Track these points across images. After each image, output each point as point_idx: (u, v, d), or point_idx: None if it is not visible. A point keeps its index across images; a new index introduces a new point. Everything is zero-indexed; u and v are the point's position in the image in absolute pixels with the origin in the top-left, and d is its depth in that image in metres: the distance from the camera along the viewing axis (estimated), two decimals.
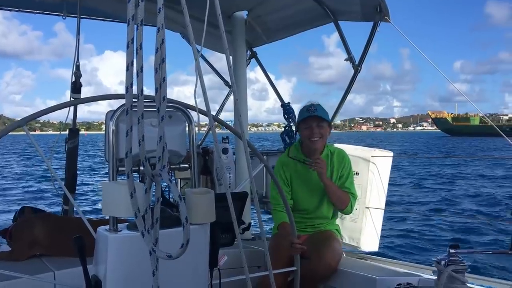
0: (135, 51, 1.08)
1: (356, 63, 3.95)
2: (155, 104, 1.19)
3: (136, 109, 1.14)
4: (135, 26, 1.08)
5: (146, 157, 1.19)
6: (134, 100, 1.13)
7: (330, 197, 3.28)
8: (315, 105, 3.33)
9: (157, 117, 1.16)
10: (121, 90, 1.22)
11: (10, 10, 4.22)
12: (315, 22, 4.16)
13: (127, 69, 1.08)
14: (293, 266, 2.63)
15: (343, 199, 3.28)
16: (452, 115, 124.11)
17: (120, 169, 1.74)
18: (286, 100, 4.67)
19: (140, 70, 1.10)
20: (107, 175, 1.76)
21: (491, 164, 29.35)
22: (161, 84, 1.13)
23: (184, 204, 1.17)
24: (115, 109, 1.74)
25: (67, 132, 3.90)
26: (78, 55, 3.82)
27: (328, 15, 3.90)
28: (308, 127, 3.28)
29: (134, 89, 1.13)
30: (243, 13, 4.25)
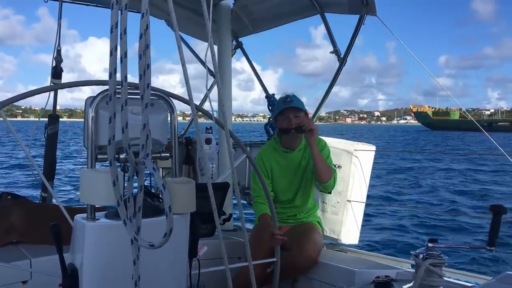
0: (119, 36, 1.05)
1: (342, 56, 3.95)
2: (136, 91, 1.16)
3: (119, 96, 1.12)
4: (119, 10, 1.05)
5: (130, 144, 1.17)
6: (117, 86, 1.11)
7: (316, 167, 3.22)
8: (290, 96, 3.34)
9: (139, 104, 1.13)
10: (105, 77, 1.19)
11: None
12: (302, 14, 4.14)
13: (111, 54, 1.06)
14: (273, 257, 2.63)
15: (328, 171, 3.26)
16: (433, 109, 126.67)
17: (99, 156, 1.70)
18: (271, 91, 4.66)
19: (124, 55, 1.07)
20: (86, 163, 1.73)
21: (469, 159, 29.82)
22: (145, 71, 1.11)
23: (168, 193, 1.16)
24: (95, 95, 1.70)
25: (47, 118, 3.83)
26: (59, 39, 3.75)
27: (315, 6, 3.89)
28: (286, 118, 3.28)
29: (118, 76, 1.10)
30: (230, 2, 4.21)
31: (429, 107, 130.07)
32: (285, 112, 3.29)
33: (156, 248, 1.19)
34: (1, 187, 15.38)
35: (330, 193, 3.54)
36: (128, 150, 1.18)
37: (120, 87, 1.12)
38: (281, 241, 2.82)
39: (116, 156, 1.72)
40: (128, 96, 1.14)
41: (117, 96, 1.12)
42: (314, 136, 3.21)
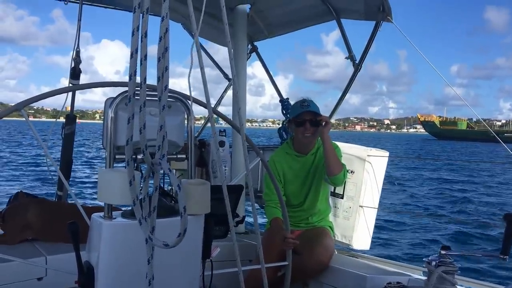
0: (139, 39, 1.08)
1: (357, 61, 3.95)
2: (154, 93, 1.19)
3: (138, 97, 1.14)
4: (141, 14, 1.08)
5: (147, 145, 1.19)
6: (136, 88, 1.13)
7: (327, 159, 3.21)
8: (307, 100, 3.35)
9: (157, 106, 1.16)
10: (116, 79, 1.21)
11: None
12: (318, 19, 4.15)
13: (131, 57, 1.08)
14: (285, 261, 2.64)
15: (338, 164, 3.25)
16: (440, 119, 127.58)
17: (117, 156, 1.73)
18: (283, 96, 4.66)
19: (144, 58, 1.10)
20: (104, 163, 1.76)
21: (482, 169, 29.52)
22: (163, 73, 1.13)
23: (183, 194, 1.18)
24: (115, 96, 1.73)
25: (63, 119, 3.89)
26: (78, 40, 3.80)
27: (331, 12, 3.90)
28: (301, 123, 3.28)
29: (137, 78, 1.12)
30: (246, 7, 4.24)
31: (436, 116, 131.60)
32: (302, 116, 3.29)
33: (170, 248, 1.21)
34: (17, 185, 15.58)
35: (340, 188, 3.56)
36: (145, 150, 1.20)
37: (139, 89, 1.14)
38: (293, 244, 2.83)
39: (134, 156, 1.76)
40: (147, 98, 1.16)
41: (136, 97, 1.15)
42: (328, 129, 3.22)
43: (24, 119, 1.89)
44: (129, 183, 1.21)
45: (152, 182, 1.31)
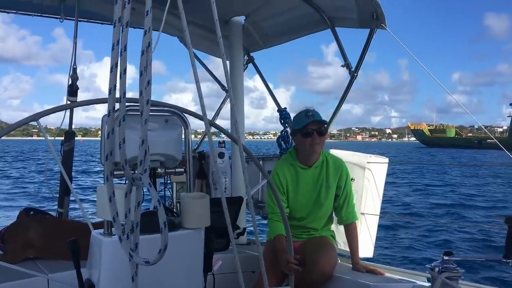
0: (119, 53, 1.07)
1: (353, 69, 3.96)
2: (152, 107, 1.18)
3: (133, 112, 1.13)
4: (121, 28, 1.07)
5: (127, 160, 1.18)
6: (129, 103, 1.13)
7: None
8: (311, 110, 3.32)
9: (154, 121, 1.15)
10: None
11: (7, 12, 4.20)
12: (312, 28, 4.17)
13: (111, 71, 1.07)
14: (287, 277, 2.62)
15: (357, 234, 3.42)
16: (429, 127, 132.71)
17: (115, 173, 1.73)
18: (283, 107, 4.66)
19: (123, 72, 1.09)
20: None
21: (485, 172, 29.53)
22: (145, 87, 1.12)
23: (163, 209, 1.15)
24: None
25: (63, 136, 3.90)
26: (75, 57, 3.83)
27: (325, 21, 3.92)
28: (309, 133, 3.25)
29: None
30: (241, 18, 4.26)
31: (426, 124, 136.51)
32: (309, 126, 3.24)
33: (151, 265, 1.19)
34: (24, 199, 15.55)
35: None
36: (125, 165, 1.19)
37: (119, 103, 1.12)
38: (295, 271, 2.81)
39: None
40: (137, 113, 1.15)
41: (128, 112, 1.14)
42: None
43: (45, 134, 1.88)
44: (108, 199, 1.19)
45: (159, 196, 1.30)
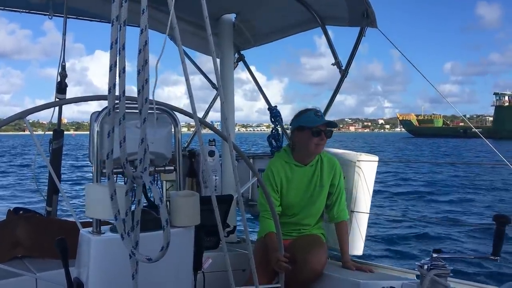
0: (118, 52, 1.07)
1: (343, 67, 3.97)
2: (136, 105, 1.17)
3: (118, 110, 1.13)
4: (119, 26, 1.07)
5: (127, 159, 1.18)
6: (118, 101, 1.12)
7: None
8: (319, 110, 3.34)
9: (137, 118, 1.14)
10: None
11: None
12: (303, 27, 4.18)
13: (110, 70, 1.07)
14: (277, 276, 2.62)
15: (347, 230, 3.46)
16: (418, 117, 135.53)
17: (104, 171, 1.72)
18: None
19: (123, 71, 1.09)
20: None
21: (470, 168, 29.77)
22: (143, 85, 1.12)
23: (165, 206, 1.16)
24: (100, 110, 1.72)
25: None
26: (64, 55, 3.80)
27: (316, 19, 3.92)
28: (319, 132, 3.24)
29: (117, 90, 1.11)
30: (231, 16, 4.25)
31: (415, 115, 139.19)
32: (321, 126, 3.25)
33: (153, 262, 1.19)
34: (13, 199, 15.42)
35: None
36: (126, 164, 1.19)
37: (118, 101, 1.12)
38: (285, 269, 2.80)
39: (120, 170, 1.74)
40: (131, 111, 1.15)
41: (116, 110, 1.13)
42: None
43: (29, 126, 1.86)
44: (110, 197, 1.19)
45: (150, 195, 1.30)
